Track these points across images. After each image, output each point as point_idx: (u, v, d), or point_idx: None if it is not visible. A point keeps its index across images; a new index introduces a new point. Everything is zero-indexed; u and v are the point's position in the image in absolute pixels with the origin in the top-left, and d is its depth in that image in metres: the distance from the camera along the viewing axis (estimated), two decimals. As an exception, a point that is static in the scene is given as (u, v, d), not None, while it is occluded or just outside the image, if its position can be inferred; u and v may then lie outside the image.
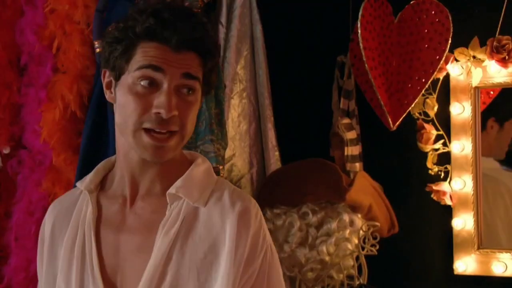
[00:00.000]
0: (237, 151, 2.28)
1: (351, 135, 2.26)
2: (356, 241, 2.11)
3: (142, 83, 1.21)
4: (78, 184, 1.37)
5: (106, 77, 1.29)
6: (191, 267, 1.23)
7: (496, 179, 2.31)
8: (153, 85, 1.21)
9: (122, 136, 1.28)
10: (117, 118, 1.27)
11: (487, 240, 2.26)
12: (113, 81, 1.27)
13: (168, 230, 1.25)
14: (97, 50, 2.16)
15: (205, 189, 1.30)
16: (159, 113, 1.20)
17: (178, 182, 1.28)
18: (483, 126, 2.29)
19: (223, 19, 2.25)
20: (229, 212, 1.25)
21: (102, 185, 1.36)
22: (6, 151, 2.33)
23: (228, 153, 2.20)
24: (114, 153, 2.02)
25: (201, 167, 1.33)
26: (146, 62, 1.20)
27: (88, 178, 1.36)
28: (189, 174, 1.30)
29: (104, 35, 1.28)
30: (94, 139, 2.14)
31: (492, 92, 2.31)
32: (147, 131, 1.21)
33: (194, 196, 1.28)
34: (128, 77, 1.22)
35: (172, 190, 1.27)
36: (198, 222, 1.27)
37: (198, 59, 1.24)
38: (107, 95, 1.30)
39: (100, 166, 1.38)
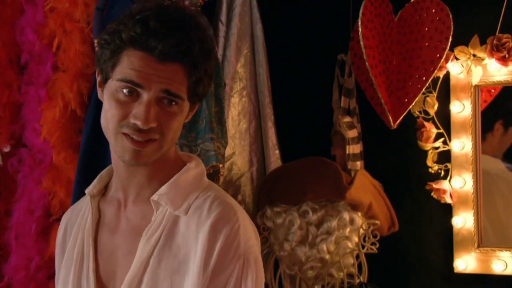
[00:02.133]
0: (237, 149, 2.28)
1: (352, 133, 2.26)
2: (356, 240, 2.11)
3: (123, 91, 1.20)
4: (86, 190, 1.38)
5: (99, 76, 1.29)
6: (165, 276, 1.22)
7: (497, 177, 2.31)
8: (134, 94, 1.20)
9: (107, 137, 1.27)
10: (101, 120, 1.26)
11: (487, 238, 2.27)
12: (102, 83, 1.27)
13: (149, 237, 1.25)
14: (97, 48, 2.15)
15: (189, 196, 1.27)
16: (136, 123, 1.19)
17: (162, 189, 1.26)
18: (490, 128, 2.29)
19: (223, 17, 2.25)
20: (203, 222, 1.22)
21: (105, 191, 1.37)
22: (7, 149, 2.33)
23: (228, 151, 2.20)
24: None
25: (191, 172, 1.31)
26: (128, 77, 1.19)
27: (92, 183, 1.37)
28: (175, 179, 1.28)
29: (100, 34, 1.27)
30: (94, 138, 2.14)
31: (493, 90, 2.31)
32: (126, 135, 1.21)
33: (177, 203, 1.26)
34: (112, 84, 1.22)
35: (154, 197, 1.26)
36: (177, 231, 1.25)
37: (183, 70, 1.21)
38: (99, 94, 1.30)
39: (104, 171, 1.39)
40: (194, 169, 1.32)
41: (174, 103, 1.21)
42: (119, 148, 1.23)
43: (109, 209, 1.33)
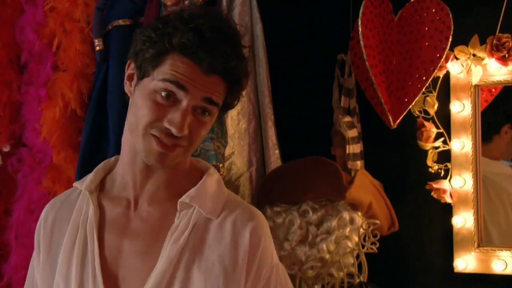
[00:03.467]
0: (236, 149, 2.27)
1: (352, 133, 2.26)
2: (356, 239, 2.11)
3: (162, 93, 1.20)
4: (77, 184, 1.36)
5: (130, 68, 1.28)
6: (199, 275, 1.24)
7: (501, 179, 2.31)
8: (172, 99, 1.20)
9: (131, 134, 1.27)
10: (129, 116, 1.26)
11: (487, 238, 2.27)
12: (136, 78, 1.26)
13: (177, 238, 1.25)
14: (97, 48, 2.16)
15: (218, 201, 1.30)
16: (170, 128, 1.20)
17: (192, 191, 1.28)
18: (497, 130, 2.30)
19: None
20: (242, 227, 1.26)
21: (101, 186, 1.36)
22: (6, 149, 2.34)
23: (227, 151, 2.20)
24: (114, 151, 2.03)
25: (214, 178, 1.34)
26: (173, 78, 1.19)
27: (88, 178, 1.35)
28: (203, 184, 1.30)
29: (142, 28, 1.26)
30: (94, 137, 2.14)
31: (494, 90, 2.31)
32: (155, 137, 1.22)
33: (207, 207, 1.28)
34: (151, 83, 1.21)
35: (185, 199, 1.27)
36: (209, 234, 1.27)
37: (224, 85, 1.22)
38: (126, 87, 1.29)
39: (100, 167, 1.38)
40: (215, 174, 1.35)
41: (207, 113, 1.23)
42: (145, 149, 1.23)
43: (114, 208, 1.32)
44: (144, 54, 1.22)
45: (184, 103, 1.20)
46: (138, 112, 1.22)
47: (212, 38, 1.19)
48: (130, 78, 1.28)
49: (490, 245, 2.25)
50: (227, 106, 1.29)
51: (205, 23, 1.19)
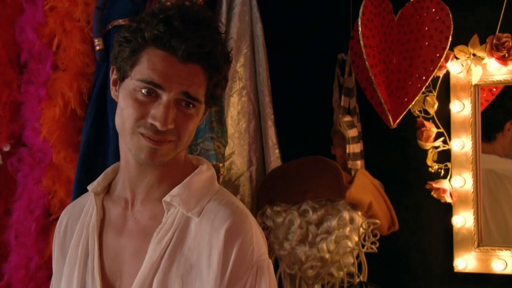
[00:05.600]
0: (236, 149, 2.27)
1: (352, 133, 2.26)
2: (356, 239, 2.11)
3: (142, 91, 1.20)
4: (88, 187, 1.38)
5: (114, 74, 1.28)
6: (176, 278, 1.23)
7: (504, 177, 2.31)
8: (153, 94, 1.20)
9: (120, 136, 1.28)
10: (116, 119, 1.27)
11: (487, 237, 2.27)
12: (118, 81, 1.26)
13: (161, 239, 1.25)
14: (97, 47, 2.15)
15: (201, 198, 1.28)
16: (154, 124, 1.20)
17: (174, 190, 1.27)
18: (500, 128, 2.30)
19: (223, 17, 2.25)
20: (218, 227, 1.23)
21: (109, 189, 1.37)
22: (6, 148, 2.33)
23: (227, 151, 2.20)
24: (114, 151, 2.03)
25: (203, 175, 1.32)
26: (148, 78, 1.19)
27: (97, 181, 1.37)
28: (188, 181, 1.29)
29: (118, 32, 1.26)
30: (94, 137, 2.14)
31: (494, 89, 2.31)
32: (143, 135, 1.22)
33: (189, 205, 1.26)
34: (130, 83, 1.22)
35: (167, 198, 1.26)
36: (189, 233, 1.25)
37: (203, 72, 1.21)
38: (112, 92, 1.30)
39: (109, 169, 1.39)
40: (206, 172, 1.33)
41: (191, 105, 1.22)
42: (134, 147, 1.23)
43: (115, 209, 1.33)
44: (122, 55, 1.23)
45: (164, 98, 1.20)
46: (123, 113, 1.23)
47: (183, 26, 1.18)
48: (115, 83, 1.29)
49: (490, 244, 2.25)
50: (212, 95, 1.26)
51: (175, 13, 1.19)
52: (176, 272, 1.23)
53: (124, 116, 1.23)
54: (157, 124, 1.19)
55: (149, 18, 1.21)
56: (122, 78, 1.24)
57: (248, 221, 1.26)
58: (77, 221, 1.37)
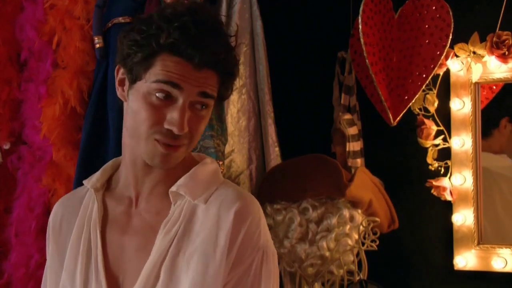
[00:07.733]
0: (236, 147, 2.27)
1: (352, 130, 2.26)
2: (356, 237, 2.11)
3: (157, 95, 1.20)
4: (85, 182, 1.37)
5: (120, 73, 1.28)
6: (183, 262, 1.23)
7: (499, 175, 2.31)
8: (168, 98, 1.20)
9: (131, 139, 1.27)
10: (128, 121, 1.26)
11: (487, 235, 2.27)
12: (128, 82, 1.25)
13: (169, 230, 1.26)
14: (97, 45, 2.15)
15: (208, 187, 1.29)
16: (171, 129, 1.20)
17: (180, 180, 1.28)
18: (496, 124, 2.30)
19: (223, 15, 2.25)
20: (228, 209, 1.24)
21: (108, 185, 1.37)
22: (6, 146, 2.33)
23: (227, 149, 2.20)
24: (114, 148, 2.03)
25: (208, 167, 1.33)
26: (165, 78, 1.19)
27: (95, 176, 1.36)
28: (193, 172, 1.30)
29: (126, 32, 1.25)
30: (94, 135, 2.14)
31: (495, 87, 2.31)
32: (158, 141, 1.22)
33: (196, 193, 1.27)
34: (144, 86, 1.21)
35: (173, 188, 1.27)
36: (196, 219, 1.26)
37: (216, 77, 1.22)
38: (119, 92, 1.29)
39: (108, 165, 1.39)
40: (211, 164, 1.34)
41: (204, 107, 1.23)
42: (148, 152, 1.23)
43: (117, 207, 1.33)
44: (133, 58, 1.22)
45: (180, 100, 1.20)
46: (137, 117, 1.22)
47: (198, 33, 1.18)
48: (122, 83, 1.28)
49: (490, 242, 2.25)
50: (221, 97, 1.28)
51: (189, 19, 1.19)
52: (183, 258, 1.24)
53: (137, 120, 1.22)
54: (174, 128, 1.19)
55: (162, 24, 1.19)
56: (134, 80, 1.23)
57: (256, 205, 1.29)
58: (74, 213, 1.36)
